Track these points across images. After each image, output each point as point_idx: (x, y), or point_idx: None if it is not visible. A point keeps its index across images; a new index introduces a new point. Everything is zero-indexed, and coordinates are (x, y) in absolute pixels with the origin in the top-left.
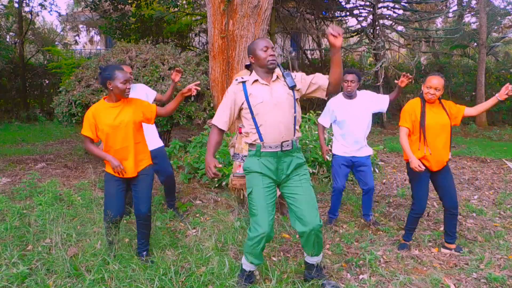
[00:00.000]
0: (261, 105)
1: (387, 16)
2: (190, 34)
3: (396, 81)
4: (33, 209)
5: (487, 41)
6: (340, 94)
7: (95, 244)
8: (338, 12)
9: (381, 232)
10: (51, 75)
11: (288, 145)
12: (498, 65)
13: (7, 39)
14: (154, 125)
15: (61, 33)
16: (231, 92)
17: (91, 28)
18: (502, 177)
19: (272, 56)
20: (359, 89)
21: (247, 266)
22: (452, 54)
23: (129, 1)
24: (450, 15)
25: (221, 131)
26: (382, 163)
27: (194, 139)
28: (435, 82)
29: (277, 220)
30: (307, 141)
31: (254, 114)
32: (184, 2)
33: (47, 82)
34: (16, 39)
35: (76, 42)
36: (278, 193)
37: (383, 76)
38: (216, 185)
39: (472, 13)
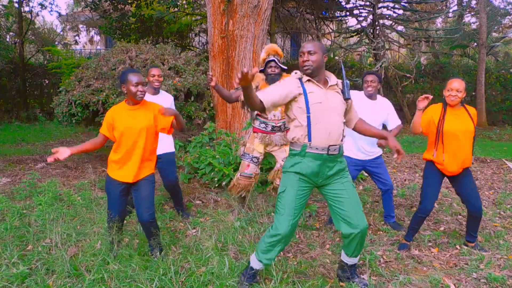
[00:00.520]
0: (318, 106)
1: (387, 16)
2: (190, 34)
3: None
4: (33, 209)
5: (487, 41)
6: (362, 93)
7: (95, 244)
8: (338, 12)
9: (381, 232)
10: (51, 75)
11: (335, 149)
12: (498, 65)
13: (7, 39)
14: None
15: (61, 33)
16: (288, 81)
17: (91, 28)
18: (502, 177)
19: (304, 61)
20: (360, 89)
21: (255, 264)
22: (452, 54)
23: (129, 1)
24: (450, 15)
25: (262, 105)
26: None
27: (194, 139)
28: (456, 84)
29: None
30: None
31: (309, 112)
32: (184, 2)
33: (47, 82)
34: (16, 39)
35: (76, 42)
36: None
37: (383, 76)
38: (216, 185)
39: (472, 13)
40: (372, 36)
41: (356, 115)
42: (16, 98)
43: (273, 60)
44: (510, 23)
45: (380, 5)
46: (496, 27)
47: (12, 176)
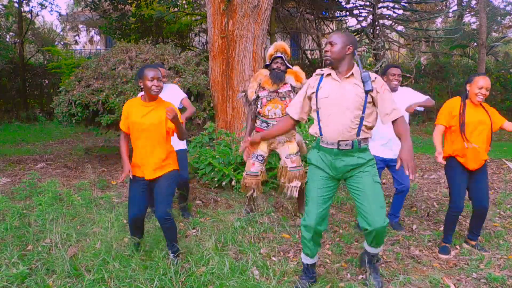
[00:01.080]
0: (325, 100)
1: (387, 16)
2: (190, 34)
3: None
4: (33, 209)
5: (487, 41)
6: None
7: (95, 244)
8: (338, 12)
9: None
10: (51, 75)
11: (346, 145)
12: (498, 65)
13: (7, 39)
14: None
15: (61, 33)
16: (307, 83)
17: (91, 28)
18: (502, 177)
19: (326, 52)
20: None
21: (303, 258)
22: (452, 54)
23: (129, 1)
24: (450, 15)
25: (294, 120)
26: None
27: (194, 139)
28: (484, 82)
29: (276, 220)
30: (306, 141)
31: (318, 108)
32: (184, 2)
33: (47, 82)
34: (16, 39)
35: (76, 42)
36: None
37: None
38: (216, 185)
39: (472, 13)
40: (372, 36)
41: (390, 110)
42: (16, 98)
43: (280, 57)
44: (510, 23)
45: (380, 5)
46: (496, 27)
47: (12, 176)
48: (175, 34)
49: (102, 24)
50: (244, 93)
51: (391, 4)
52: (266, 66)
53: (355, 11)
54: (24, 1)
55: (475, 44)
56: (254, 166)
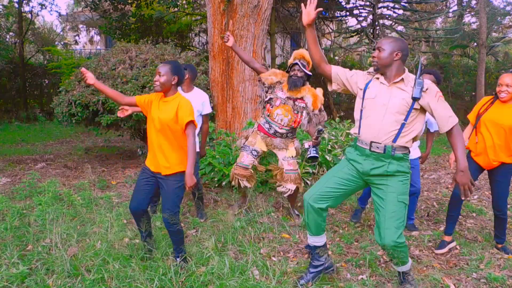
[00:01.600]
0: (370, 101)
1: (387, 16)
2: (190, 34)
3: None
4: (32, 209)
5: (487, 41)
6: None
7: (95, 244)
8: (338, 12)
9: None
10: (51, 75)
11: (378, 147)
12: (498, 65)
13: (7, 39)
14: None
15: (61, 33)
16: (360, 72)
17: (91, 28)
18: None
19: (374, 57)
20: None
21: (309, 239)
22: (452, 54)
23: (129, 1)
24: (450, 15)
25: (327, 66)
26: None
27: None
28: (506, 79)
29: (276, 220)
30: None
31: (362, 107)
32: (184, 2)
33: (47, 82)
34: (16, 39)
35: (76, 42)
36: None
37: None
38: (216, 185)
39: (472, 13)
40: (372, 36)
41: (441, 123)
42: (16, 98)
43: (297, 64)
44: (510, 23)
45: (380, 5)
46: (496, 27)
47: (12, 176)
48: (175, 34)
49: (102, 24)
50: (265, 66)
51: (391, 4)
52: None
53: (355, 11)
54: (24, 1)
55: (475, 44)
56: (246, 159)
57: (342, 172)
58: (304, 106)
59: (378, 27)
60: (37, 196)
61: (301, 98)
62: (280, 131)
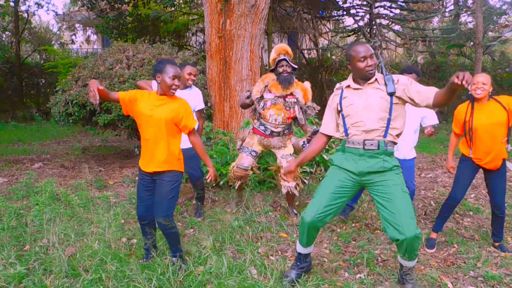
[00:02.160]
0: (351, 107)
1: (384, 15)
2: (187, 33)
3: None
4: (30, 209)
5: (483, 41)
6: None
7: (93, 244)
8: (335, 12)
9: (378, 231)
10: (48, 74)
11: (372, 144)
12: (494, 64)
13: (3, 39)
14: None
15: (58, 32)
16: (330, 99)
17: (87, 28)
18: None
19: (370, 66)
20: None
21: (297, 245)
22: (449, 54)
23: (126, 1)
24: (447, 14)
25: (327, 137)
26: None
27: None
28: (480, 78)
29: (274, 219)
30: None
31: (345, 116)
32: (181, 1)
33: (43, 81)
34: (12, 39)
35: (73, 42)
36: None
37: None
38: (214, 184)
39: (468, 12)
40: (369, 35)
41: (425, 94)
42: (13, 98)
43: (285, 59)
44: (506, 23)
45: (377, 4)
46: (492, 27)
47: (8, 176)
48: (172, 33)
49: (99, 23)
50: (249, 93)
51: (388, 4)
52: (272, 71)
53: (352, 11)
54: (21, 1)
55: (472, 43)
56: (246, 160)
57: (336, 182)
58: (295, 101)
59: (375, 27)
60: (34, 196)
61: (291, 94)
62: (276, 130)
